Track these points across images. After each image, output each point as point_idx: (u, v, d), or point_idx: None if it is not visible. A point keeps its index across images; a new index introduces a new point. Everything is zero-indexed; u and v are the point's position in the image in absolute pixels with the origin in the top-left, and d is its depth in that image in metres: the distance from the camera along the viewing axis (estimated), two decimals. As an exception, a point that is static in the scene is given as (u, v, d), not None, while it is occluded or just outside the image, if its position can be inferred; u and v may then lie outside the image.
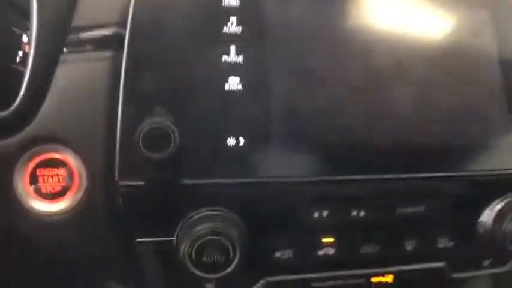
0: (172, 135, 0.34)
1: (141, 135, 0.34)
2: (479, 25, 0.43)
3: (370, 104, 0.39)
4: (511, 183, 0.43)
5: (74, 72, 0.38)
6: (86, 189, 0.38)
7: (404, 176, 0.39)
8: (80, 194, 0.38)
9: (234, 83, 0.37)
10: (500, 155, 0.41)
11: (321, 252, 0.41)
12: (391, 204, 0.40)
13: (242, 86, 0.37)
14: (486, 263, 0.46)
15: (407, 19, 0.41)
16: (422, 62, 0.41)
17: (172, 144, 0.34)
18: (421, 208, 0.41)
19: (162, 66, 0.36)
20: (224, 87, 0.36)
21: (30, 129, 0.37)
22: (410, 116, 0.40)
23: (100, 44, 0.38)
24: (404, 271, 0.44)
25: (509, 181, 0.42)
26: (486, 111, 0.42)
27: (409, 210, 0.41)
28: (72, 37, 0.39)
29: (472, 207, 0.43)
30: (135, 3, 0.37)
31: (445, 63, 0.41)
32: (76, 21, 0.39)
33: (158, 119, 0.35)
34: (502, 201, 0.42)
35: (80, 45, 0.39)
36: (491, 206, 0.42)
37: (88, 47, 0.39)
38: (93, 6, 0.40)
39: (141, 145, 0.34)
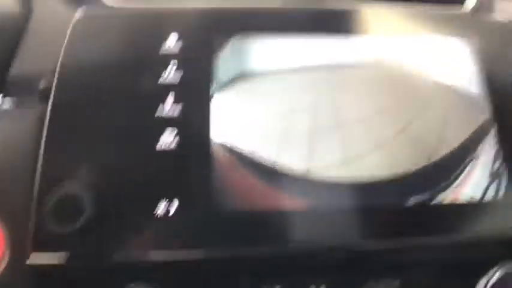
0: (89, 204, 0.30)
1: (53, 203, 0.30)
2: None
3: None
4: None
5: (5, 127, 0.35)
6: (9, 260, 0.34)
7: (374, 242, 0.33)
8: (3, 265, 0.34)
9: (167, 141, 0.32)
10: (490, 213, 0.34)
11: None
12: (358, 278, 0.34)
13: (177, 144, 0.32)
14: None
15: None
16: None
17: (89, 214, 0.30)
18: (394, 283, 0.34)
19: (86, 124, 0.33)
20: (155, 146, 0.32)
21: None
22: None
23: (25, 99, 0.36)
24: None
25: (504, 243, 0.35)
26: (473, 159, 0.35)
27: (381, 285, 0.34)
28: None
29: (459, 279, 0.36)
30: (64, 54, 0.34)
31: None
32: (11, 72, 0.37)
33: (75, 184, 0.31)
34: (497, 271, 0.35)
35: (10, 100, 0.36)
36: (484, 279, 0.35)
37: (12, 102, 0.36)
38: (28, 59, 0.37)
39: (51, 216, 0.30)
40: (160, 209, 0.31)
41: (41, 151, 0.32)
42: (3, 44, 0.38)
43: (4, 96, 0.37)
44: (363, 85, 0.35)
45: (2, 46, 0.38)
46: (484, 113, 0.36)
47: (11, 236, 0.33)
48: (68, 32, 0.35)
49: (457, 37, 0.38)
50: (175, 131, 0.32)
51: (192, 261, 0.32)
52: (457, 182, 0.34)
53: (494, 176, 0.35)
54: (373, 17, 0.38)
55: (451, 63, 0.37)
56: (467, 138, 0.35)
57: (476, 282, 0.35)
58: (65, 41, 0.35)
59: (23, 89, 0.36)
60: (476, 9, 0.43)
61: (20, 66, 0.37)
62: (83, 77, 0.34)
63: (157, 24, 0.35)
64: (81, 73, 0.34)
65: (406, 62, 0.37)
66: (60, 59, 0.34)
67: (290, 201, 0.32)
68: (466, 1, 0.44)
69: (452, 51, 0.38)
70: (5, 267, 0.34)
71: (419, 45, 0.37)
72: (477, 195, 0.34)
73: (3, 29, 0.39)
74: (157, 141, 0.32)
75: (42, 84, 0.35)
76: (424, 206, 0.33)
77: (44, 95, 0.35)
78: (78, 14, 0.36)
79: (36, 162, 0.33)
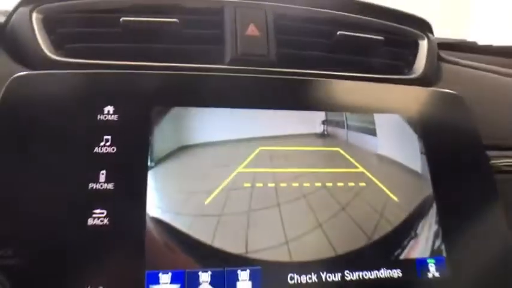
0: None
1: None
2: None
3: None
4: None
5: None
6: None
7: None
8: None
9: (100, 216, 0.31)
10: None
11: None
12: None
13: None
14: None
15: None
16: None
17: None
18: None
19: (16, 190, 0.30)
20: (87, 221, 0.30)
21: None
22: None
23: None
24: None
25: None
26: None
27: None
28: None
29: None
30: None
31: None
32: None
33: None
34: None
35: None
36: None
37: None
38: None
39: None
40: (86, 291, 0.29)
41: None
42: None
43: None
44: (303, 159, 0.35)
45: None
46: (425, 190, 0.36)
47: None
48: (3, 90, 0.33)
49: (401, 112, 0.39)
50: (110, 208, 0.31)
51: None
52: (400, 258, 0.34)
53: (434, 253, 0.35)
54: (315, 89, 0.38)
55: (395, 138, 0.37)
56: (409, 216, 0.35)
57: None
58: None
59: None
60: (421, 78, 0.45)
61: None
62: (15, 142, 0.32)
63: (94, 91, 0.34)
64: (14, 138, 0.32)
65: (350, 136, 0.37)
66: None
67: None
68: (413, 70, 0.46)
69: (396, 126, 0.38)
70: None
71: (364, 118, 0.38)
72: (418, 272, 0.34)
73: None
74: (90, 216, 0.31)
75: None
76: (364, 285, 0.32)
77: None
78: (15, 74, 0.34)
79: None
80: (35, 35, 0.39)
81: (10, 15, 0.41)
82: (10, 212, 0.30)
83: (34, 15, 0.40)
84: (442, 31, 0.52)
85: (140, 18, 0.40)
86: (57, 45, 0.39)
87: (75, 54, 0.39)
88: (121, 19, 0.39)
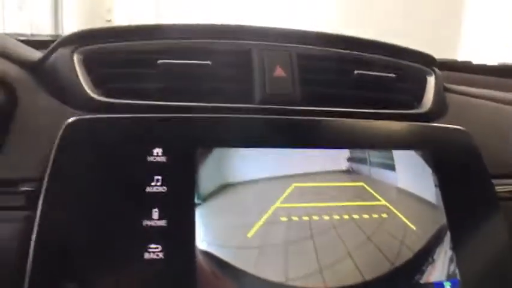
0: None
1: None
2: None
3: None
4: None
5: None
6: None
7: None
8: None
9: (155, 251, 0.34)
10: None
11: None
12: None
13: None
14: None
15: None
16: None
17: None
18: None
19: (75, 230, 0.34)
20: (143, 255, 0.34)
21: None
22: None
23: (18, 202, 0.36)
24: None
25: None
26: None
27: None
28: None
29: None
30: (55, 158, 0.35)
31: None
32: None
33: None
34: None
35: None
36: None
37: (4, 205, 0.36)
38: (15, 161, 0.38)
39: None
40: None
41: (29, 262, 0.33)
42: None
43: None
44: (332, 194, 0.39)
45: None
46: (440, 219, 0.40)
47: None
48: (58, 137, 0.36)
49: (416, 148, 0.43)
50: (163, 242, 0.34)
51: None
52: (420, 282, 0.38)
53: (450, 276, 0.39)
54: (340, 129, 0.43)
55: (412, 173, 0.41)
56: (426, 243, 0.39)
57: None
58: (55, 146, 0.36)
59: (7, 192, 0.37)
60: (430, 112, 0.49)
61: (5, 166, 0.38)
62: (73, 184, 0.35)
63: (143, 135, 0.37)
64: (71, 180, 0.35)
65: (372, 171, 0.41)
66: (50, 163, 0.35)
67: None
68: (422, 104, 0.50)
69: (412, 162, 0.42)
70: None
71: (384, 155, 0.42)
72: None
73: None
74: (146, 251, 0.34)
75: (29, 187, 0.36)
76: None
77: (30, 199, 0.36)
78: (69, 119, 0.37)
79: (19, 267, 0.33)
80: (76, 75, 0.42)
81: (49, 54, 0.44)
82: (70, 249, 0.33)
83: (75, 56, 0.43)
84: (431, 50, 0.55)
85: (176, 61, 0.43)
86: (96, 84, 0.42)
87: (113, 93, 0.42)
88: (158, 61, 0.43)
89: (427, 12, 1.97)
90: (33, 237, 0.33)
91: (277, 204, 0.37)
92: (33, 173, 0.37)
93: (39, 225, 0.33)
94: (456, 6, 2.11)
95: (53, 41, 0.45)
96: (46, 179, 0.35)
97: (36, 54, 0.45)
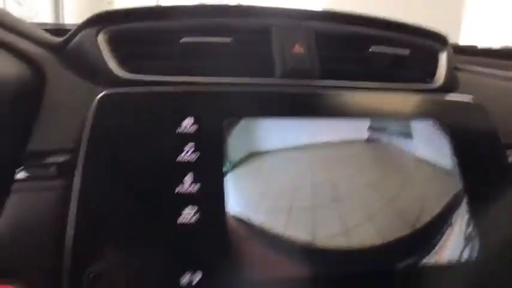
0: (119, 280, 0.33)
1: (90, 277, 0.32)
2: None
3: None
4: None
5: (25, 202, 0.37)
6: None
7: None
8: None
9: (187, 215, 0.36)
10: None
11: None
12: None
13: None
14: None
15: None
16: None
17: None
18: None
19: (114, 199, 0.35)
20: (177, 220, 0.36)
21: None
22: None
23: (51, 172, 0.38)
24: None
25: None
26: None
27: None
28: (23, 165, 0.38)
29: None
30: (91, 131, 0.37)
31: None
32: (29, 148, 0.38)
33: (105, 263, 0.33)
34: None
35: (30, 175, 0.38)
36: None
37: (39, 175, 0.38)
38: (46, 134, 0.39)
39: None
40: (185, 279, 0.34)
41: (70, 230, 0.34)
42: (19, 116, 0.40)
43: (22, 169, 0.38)
44: (354, 162, 0.41)
45: (17, 118, 0.40)
46: (456, 185, 0.42)
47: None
48: (92, 110, 0.38)
49: (430, 118, 0.44)
50: (195, 208, 0.36)
51: None
52: (438, 246, 0.39)
53: (467, 240, 0.41)
54: (361, 100, 0.44)
55: (429, 141, 0.43)
56: (444, 208, 0.41)
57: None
58: (89, 120, 0.38)
59: (41, 163, 0.38)
60: (442, 87, 0.50)
61: (38, 140, 0.39)
62: (108, 155, 0.37)
63: (173, 106, 0.39)
64: (107, 151, 0.37)
65: (391, 141, 0.42)
66: (86, 136, 0.37)
67: (298, 269, 0.36)
68: (435, 79, 0.52)
69: (429, 131, 0.44)
70: None
71: (403, 124, 0.43)
72: (455, 258, 0.40)
73: (18, 100, 0.41)
74: (179, 216, 0.36)
75: (62, 159, 0.38)
76: (411, 268, 0.38)
77: (64, 170, 0.37)
78: (101, 93, 0.39)
79: (57, 236, 0.35)
80: (102, 54, 0.43)
81: (72, 35, 0.45)
82: (108, 215, 0.35)
83: (100, 36, 0.44)
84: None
85: (198, 38, 0.45)
86: (121, 63, 0.44)
87: (137, 71, 0.43)
88: (181, 40, 0.44)
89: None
90: (72, 205, 0.35)
91: (302, 171, 0.39)
92: (63, 145, 0.38)
93: (80, 194, 0.35)
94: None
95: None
96: (84, 150, 0.36)
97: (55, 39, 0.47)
